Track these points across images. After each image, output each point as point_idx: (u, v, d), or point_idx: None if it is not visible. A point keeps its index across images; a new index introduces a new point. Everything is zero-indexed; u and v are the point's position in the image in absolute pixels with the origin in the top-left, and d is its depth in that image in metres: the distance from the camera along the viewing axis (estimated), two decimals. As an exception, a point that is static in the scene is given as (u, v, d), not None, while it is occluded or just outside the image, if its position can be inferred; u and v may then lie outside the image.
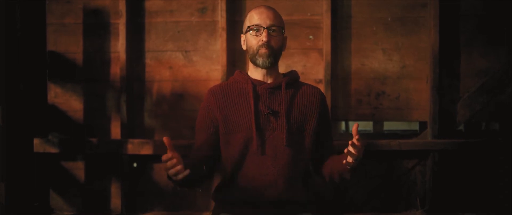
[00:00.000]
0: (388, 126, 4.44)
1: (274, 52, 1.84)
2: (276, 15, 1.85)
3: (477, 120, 2.75)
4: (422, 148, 2.61)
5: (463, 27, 2.65)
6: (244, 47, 1.90)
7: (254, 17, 1.83)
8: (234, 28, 2.70)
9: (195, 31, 2.73)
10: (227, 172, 1.85)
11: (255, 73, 1.88)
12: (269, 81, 1.88)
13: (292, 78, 1.92)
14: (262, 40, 1.81)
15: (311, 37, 2.69)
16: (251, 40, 1.84)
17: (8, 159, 2.32)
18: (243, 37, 1.90)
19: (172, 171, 1.54)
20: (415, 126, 4.05)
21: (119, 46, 2.71)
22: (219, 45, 2.69)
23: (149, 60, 2.75)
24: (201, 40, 2.73)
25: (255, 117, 1.80)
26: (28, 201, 2.46)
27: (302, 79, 2.05)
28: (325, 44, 2.64)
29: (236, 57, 2.71)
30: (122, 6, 2.68)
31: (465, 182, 2.65)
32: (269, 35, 1.81)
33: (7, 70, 2.32)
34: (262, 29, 1.82)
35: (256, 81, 1.87)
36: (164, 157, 1.54)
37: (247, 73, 1.92)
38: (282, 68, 2.09)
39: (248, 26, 1.85)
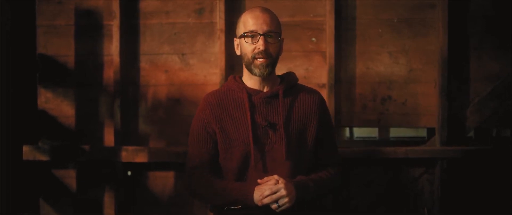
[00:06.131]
0: (395, 132, 4.41)
1: (272, 60, 1.76)
2: (273, 19, 1.77)
3: (487, 126, 2.69)
4: (430, 156, 2.55)
5: (473, 29, 2.58)
6: (237, 52, 1.83)
7: (249, 22, 1.75)
8: (233, 29, 2.61)
9: (192, 33, 2.65)
10: None
11: (251, 80, 1.81)
12: (266, 88, 1.81)
13: (289, 83, 1.84)
14: (259, 48, 1.74)
15: (313, 39, 2.61)
16: (246, 47, 1.76)
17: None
18: (236, 41, 1.83)
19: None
20: (423, 133, 4.01)
21: (112, 48, 2.64)
22: (218, 47, 2.62)
23: (144, 63, 2.67)
24: (198, 43, 2.65)
25: (252, 130, 1.74)
26: (17, 211, 2.42)
27: (304, 84, 1.98)
28: (329, 47, 2.57)
29: (235, 60, 2.63)
30: (115, 7, 2.61)
31: (475, 191, 2.58)
32: (266, 43, 1.73)
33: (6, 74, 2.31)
34: (258, 36, 1.73)
35: (251, 89, 1.80)
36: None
37: (241, 80, 1.84)
38: (283, 71, 2.03)
39: (243, 33, 1.76)
